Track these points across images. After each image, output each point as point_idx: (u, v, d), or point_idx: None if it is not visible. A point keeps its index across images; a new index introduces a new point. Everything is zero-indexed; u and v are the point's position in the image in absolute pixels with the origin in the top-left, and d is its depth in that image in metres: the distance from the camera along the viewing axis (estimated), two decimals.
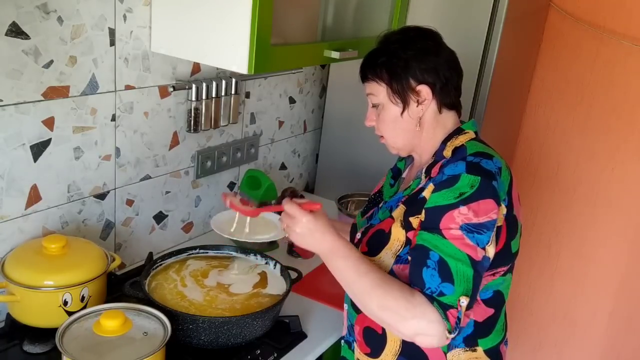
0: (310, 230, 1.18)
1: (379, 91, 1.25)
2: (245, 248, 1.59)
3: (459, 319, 1.08)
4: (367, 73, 1.26)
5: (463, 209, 1.10)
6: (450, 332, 1.08)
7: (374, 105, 1.29)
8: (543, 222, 2.59)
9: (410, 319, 1.08)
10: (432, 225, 1.12)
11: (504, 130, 2.34)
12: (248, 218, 1.47)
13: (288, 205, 1.20)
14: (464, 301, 1.08)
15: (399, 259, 1.20)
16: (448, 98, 1.25)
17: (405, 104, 1.23)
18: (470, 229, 1.10)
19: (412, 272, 1.14)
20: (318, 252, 1.20)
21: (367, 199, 1.52)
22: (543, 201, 2.57)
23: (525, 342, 2.75)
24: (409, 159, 1.40)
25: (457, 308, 1.08)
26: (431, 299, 1.09)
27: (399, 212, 1.22)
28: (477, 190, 1.11)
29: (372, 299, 1.13)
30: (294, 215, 1.19)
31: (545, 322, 2.70)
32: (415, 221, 1.17)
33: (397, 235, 1.20)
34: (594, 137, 2.40)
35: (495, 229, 1.13)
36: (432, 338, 1.09)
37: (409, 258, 1.16)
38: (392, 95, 1.23)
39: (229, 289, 1.42)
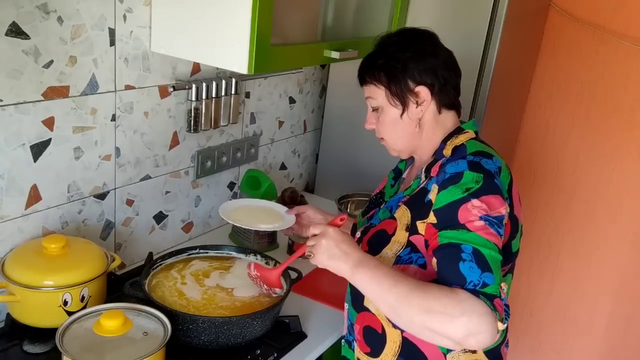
0: (336, 241, 1.14)
1: (377, 94, 1.25)
2: (246, 248, 1.59)
3: (506, 305, 1.05)
4: (366, 76, 1.26)
5: (475, 201, 1.09)
6: (502, 322, 1.03)
7: (373, 109, 1.28)
8: (543, 222, 2.59)
9: (459, 317, 1.01)
10: (451, 222, 1.09)
11: (504, 130, 2.34)
12: (254, 207, 1.50)
13: (313, 227, 1.19)
14: (505, 287, 1.07)
15: (399, 259, 1.19)
16: (447, 98, 1.24)
17: (404, 106, 1.23)
18: (490, 220, 1.08)
19: (448, 271, 1.07)
20: (344, 267, 1.13)
21: (367, 199, 1.53)
22: (543, 201, 2.57)
23: (525, 342, 2.75)
24: (409, 160, 1.40)
25: (500, 296, 1.05)
26: (475, 292, 1.03)
27: (401, 213, 1.21)
28: (482, 186, 1.10)
29: (412, 304, 1.05)
30: (321, 230, 1.16)
31: (545, 322, 2.70)
32: (421, 226, 1.16)
33: (399, 237, 1.20)
34: (594, 137, 2.40)
35: (504, 225, 1.12)
36: (484, 335, 1.01)
37: (435, 259, 1.11)
38: (391, 98, 1.23)
39: (233, 293, 1.41)
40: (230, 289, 1.43)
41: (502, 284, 1.06)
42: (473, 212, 1.08)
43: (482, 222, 1.07)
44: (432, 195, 1.15)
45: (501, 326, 1.03)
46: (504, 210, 1.12)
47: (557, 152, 2.49)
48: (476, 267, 1.05)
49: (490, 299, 1.03)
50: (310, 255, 1.18)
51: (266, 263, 1.54)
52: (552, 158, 2.51)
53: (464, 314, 1.00)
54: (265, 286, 1.39)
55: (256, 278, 1.39)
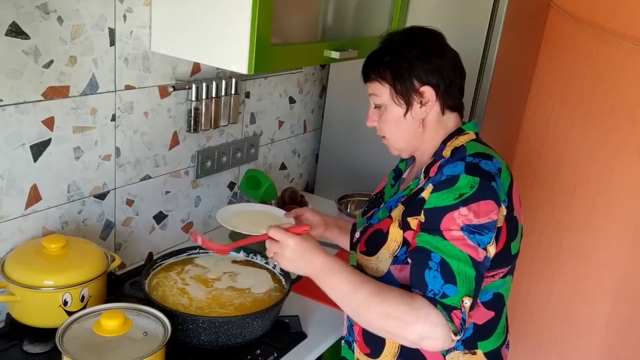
0: (299, 252, 1.15)
1: (382, 92, 1.23)
2: (246, 248, 1.59)
3: (463, 320, 1.07)
4: (370, 73, 1.25)
5: (463, 210, 1.09)
6: (455, 334, 1.06)
7: (376, 106, 1.27)
8: (543, 222, 2.59)
9: (413, 324, 1.06)
10: (432, 226, 1.11)
11: (504, 130, 2.34)
12: (252, 211, 1.48)
13: (273, 231, 1.17)
14: (468, 302, 1.07)
15: (396, 260, 1.19)
16: (451, 100, 1.24)
17: (408, 105, 1.22)
18: (472, 229, 1.09)
19: (414, 275, 1.12)
20: (310, 273, 1.16)
21: (367, 199, 1.53)
22: (543, 201, 2.57)
23: (525, 342, 2.75)
24: (410, 160, 1.40)
25: (460, 309, 1.07)
26: (434, 301, 1.07)
27: (397, 212, 1.22)
28: (476, 191, 1.10)
29: (371, 308, 1.10)
30: (281, 240, 1.16)
31: (545, 322, 2.70)
32: (413, 222, 1.16)
33: (395, 235, 1.20)
34: (594, 137, 2.40)
35: (495, 229, 1.13)
36: (436, 341, 1.07)
37: (409, 260, 1.15)
38: (396, 96, 1.22)
39: (251, 290, 1.43)
40: (247, 289, 1.43)
41: (466, 298, 1.07)
42: (457, 221, 1.09)
43: (460, 233, 1.08)
44: (425, 194, 1.15)
45: (455, 338, 1.07)
46: (495, 215, 1.12)
47: (557, 152, 2.49)
48: (440, 277, 1.08)
49: (447, 309, 1.06)
50: (274, 261, 1.20)
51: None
52: (552, 158, 2.51)
53: (418, 322, 1.06)
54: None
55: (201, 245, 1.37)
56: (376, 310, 1.09)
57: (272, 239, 1.18)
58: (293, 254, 1.15)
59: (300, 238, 1.16)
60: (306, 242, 1.16)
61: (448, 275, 1.08)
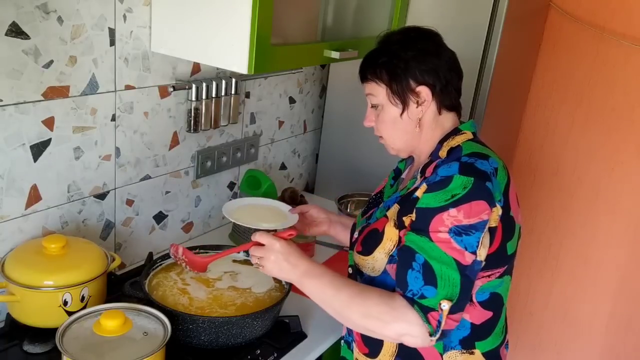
0: (285, 255, 1.19)
1: (378, 92, 1.24)
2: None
3: (439, 322, 1.09)
4: (367, 73, 1.26)
5: (453, 211, 1.09)
6: (432, 335, 1.09)
7: (373, 106, 1.28)
8: (543, 222, 2.59)
9: (392, 322, 1.11)
10: (421, 227, 1.12)
11: (504, 130, 2.34)
12: (258, 205, 1.49)
13: (259, 235, 1.22)
14: (446, 305, 1.09)
15: (391, 259, 1.20)
16: (448, 100, 1.24)
17: (404, 105, 1.22)
18: (459, 231, 1.09)
19: (398, 274, 1.15)
20: (294, 278, 1.20)
21: (367, 199, 1.53)
22: (543, 201, 2.57)
23: (525, 342, 2.76)
24: (409, 160, 1.40)
25: (438, 311, 1.08)
26: (412, 301, 1.10)
27: (393, 211, 1.22)
28: (469, 191, 1.10)
29: (352, 309, 1.15)
30: (267, 243, 1.21)
31: (545, 322, 2.70)
32: (407, 220, 1.17)
33: (390, 235, 1.20)
34: (594, 137, 2.40)
35: (486, 229, 1.12)
36: (415, 339, 1.11)
37: (397, 258, 1.17)
38: (392, 96, 1.22)
39: (252, 289, 1.43)
40: (247, 288, 1.43)
41: (445, 301, 1.09)
42: (446, 222, 1.10)
43: (447, 236, 1.09)
44: (419, 193, 1.16)
45: (432, 338, 1.09)
46: (486, 215, 1.11)
47: (557, 152, 2.49)
48: (421, 278, 1.10)
49: (424, 310, 1.09)
50: (259, 267, 1.23)
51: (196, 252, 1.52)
52: (552, 158, 2.51)
53: (396, 321, 1.11)
54: (189, 267, 1.36)
55: (182, 261, 1.35)
56: (357, 310, 1.14)
57: (257, 244, 1.22)
58: (279, 257, 1.20)
59: (286, 242, 1.21)
60: (291, 247, 1.21)
61: (429, 276, 1.09)
